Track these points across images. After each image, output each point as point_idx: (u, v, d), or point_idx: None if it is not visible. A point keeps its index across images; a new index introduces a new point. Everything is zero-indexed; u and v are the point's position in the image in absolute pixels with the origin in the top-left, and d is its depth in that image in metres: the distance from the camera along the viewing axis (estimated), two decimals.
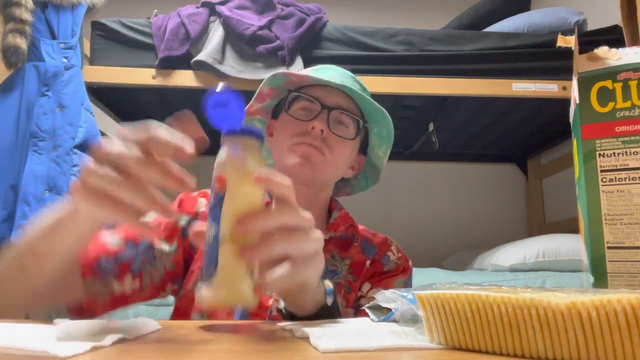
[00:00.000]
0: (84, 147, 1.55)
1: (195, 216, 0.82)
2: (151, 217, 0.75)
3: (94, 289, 0.65)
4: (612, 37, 1.74)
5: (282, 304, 0.60)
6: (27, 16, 1.57)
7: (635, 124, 0.53)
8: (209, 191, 0.84)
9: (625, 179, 0.52)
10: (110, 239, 0.73)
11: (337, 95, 0.81)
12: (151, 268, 0.74)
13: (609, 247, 0.52)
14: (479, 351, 0.37)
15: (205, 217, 0.78)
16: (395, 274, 0.86)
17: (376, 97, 1.79)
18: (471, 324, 0.37)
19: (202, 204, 0.84)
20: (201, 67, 1.65)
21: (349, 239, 0.86)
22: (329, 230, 0.84)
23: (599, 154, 0.54)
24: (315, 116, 0.79)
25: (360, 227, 0.91)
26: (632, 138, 0.52)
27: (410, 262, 0.89)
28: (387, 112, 0.81)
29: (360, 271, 0.84)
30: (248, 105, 0.86)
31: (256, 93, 0.85)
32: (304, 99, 0.82)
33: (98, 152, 0.42)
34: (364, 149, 0.89)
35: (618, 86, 0.54)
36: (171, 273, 0.76)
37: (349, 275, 0.83)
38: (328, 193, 0.87)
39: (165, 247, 0.75)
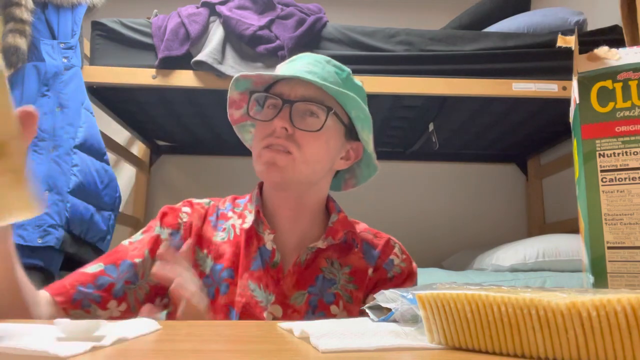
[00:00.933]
0: (84, 147, 1.55)
1: (177, 228, 0.81)
2: (132, 245, 0.78)
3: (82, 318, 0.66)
4: (612, 37, 1.74)
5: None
6: (27, 16, 1.57)
7: (635, 124, 0.53)
8: (194, 200, 0.86)
9: (625, 179, 0.52)
10: (90, 267, 0.74)
11: (303, 87, 0.76)
12: (135, 287, 0.75)
13: (609, 247, 0.52)
14: (479, 351, 0.37)
15: (188, 228, 0.81)
16: (400, 282, 0.82)
17: (376, 97, 1.79)
18: (471, 324, 0.37)
19: (185, 215, 0.82)
20: (201, 67, 1.65)
21: (349, 243, 0.83)
22: (326, 236, 0.80)
23: (599, 154, 0.54)
24: (277, 114, 0.75)
25: (362, 225, 0.88)
26: (632, 138, 0.52)
27: (414, 265, 0.86)
28: (352, 94, 0.75)
29: (362, 279, 0.80)
30: (229, 115, 0.84)
31: (228, 100, 0.82)
32: (269, 97, 0.78)
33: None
34: (356, 135, 0.83)
35: (618, 86, 0.54)
36: (156, 288, 0.76)
37: (350, 284, 0.80)
38: (319, 194, 0.83)
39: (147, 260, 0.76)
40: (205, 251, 0.80)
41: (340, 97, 0.76)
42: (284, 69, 0.80)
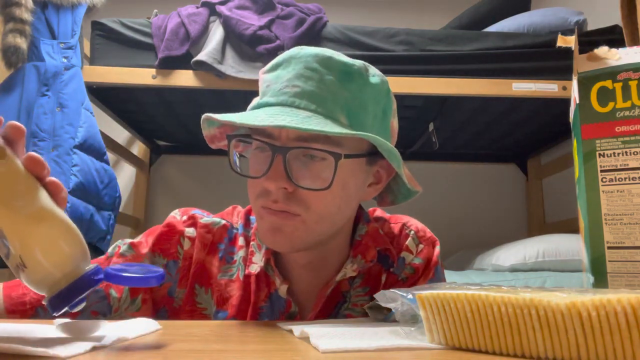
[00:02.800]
0: (84, 147, 1.55)
1: (176, 258, 0.67)
2: (126, 250, 0.66)
3: None
4: (612, 37, 1.74)
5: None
6: (27, 16, 1.57)
7: (635, 124, 0.52)
8: (198, 214, 0.70)
9: (625, 179, 0.52)
10: None
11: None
12: (107, 319, 0.58)
13: (609, 247, 0.52)
14: (479, 351, 0.37)
15: (188, 259, 0.66)
16: (414, 281, 0.69)
17: None
18: (471, 324, 0.37)
19: (187, 243, 0.67)
20: (201, 67, 1.65)
21: (383, 262, 0.67)
22: (354, 254, 0.65)
23: (599, 154, 0.54)
24: (267, 169, 0.55)
25: (377, 212, 0.74)
26: (632, 138, 0.52)
27: (434, 250, 0.70)
28: (368, 135, 0.56)
29: (376, 287, 0.67)
30: (213, 146, 0.67)
31: (208, 140, 0.66)
32: (254, 141, 0.59)
33: None
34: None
35: (618, 86, 0.54)
36: (141, 314, 0.64)
37: (360, 297, 0.66)
38: (344, 234, 0.67)
39: (124, 297, 0.64)
40: (209, 291, 0.67)
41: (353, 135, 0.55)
42: (268, 87, 0.60)
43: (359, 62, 0.61)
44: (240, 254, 0.68)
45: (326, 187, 0.55)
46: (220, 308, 0.66)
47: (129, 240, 0.69)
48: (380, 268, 0.68)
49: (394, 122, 0.66)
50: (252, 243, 0.68)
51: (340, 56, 0.60)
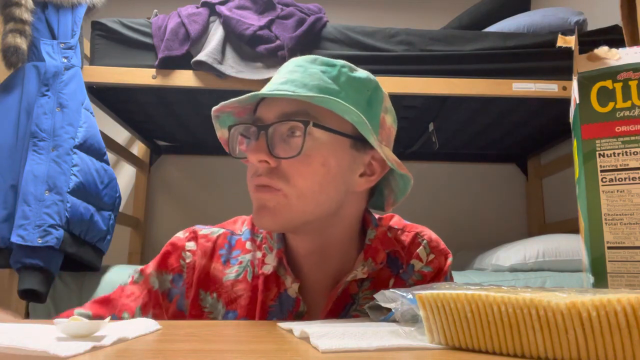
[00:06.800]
0: (84, 147, 1.55)
1: (180, 272, 0.70)
2: (130, 290, 0.70)
3: None
4: (612, 37, 1.74)
5: None
6: (27, 16, 1.57)
7: (635, 124, 0.53)
8: (199, 227, 0.73)
9: (625, 179, 0.52)
10: (81, 313, 0.68)
11: (282, 102, 0.62)
12: None
13: (609, 247, 0.52)
14: (479, 351, 0.37)
15: (192, 268, 0.69)
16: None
17: None
18: (471, 324, 0.37)
19: (189, 255, 0.70)
20: (201, 67, 1.65)
21: (394, 264, 0.69)
22: (365, 257, 0.67)
23: (599, 154, 0.54)
24: (253, 146, 0.61)
25: (392, 220, 0.75)
26: (632, 138, 0.52)
27: (447, 261, 0.72)
28: (328, 97, 0.58)
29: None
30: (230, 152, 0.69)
31: (222, 142, 0.70)
32: (248, 126, 0.64)
33: None
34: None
35: (618, 86, 0.54)
36: None
37: (368, 300, 0.67)
38: (345, 223, 0.67)
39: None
40: (214, 295, 0.68)
41: (321, 103, 0.59)
42: (265, 86, 0.66)
43: (344, 62, 0.66)
44: (247, 257, 0.70)
45: (297, 153, 0.59)
46: (230, 308, 0.67)
47: (139, 268, 0.72)
48: (389, 273, 0.69)
49: (387, 118, 0.68)
50: (264, 246, 0.70)
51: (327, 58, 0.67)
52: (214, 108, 0.65)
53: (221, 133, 0.69)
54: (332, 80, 0.63)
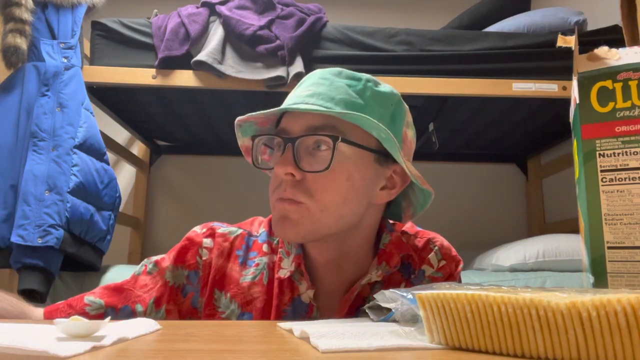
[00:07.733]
0: (84, 147, 1.55)
1: (196, 268, 0.70)
2: (143, 281, 0.70)
3: None
4: (612, 37, 1.74)
5: None
6: (27, 16, 1.57)
7: (635, 124, 0.53)
8: (216, 225, 0.73)
9: (625, 179, 0.52)
10: (92, 301, 0.68)
11: (308, 115, 0.62)
12: None
13: (609, 247, 0.52)
14: (479, 351, 0.37)
15: (207, 267, 0.69)
16: None
17: None
18: (471, 324, 0.37)
19: (206, 253, 0.70)
20: (201, 67, 1.65)
21: (407, 269, 0.70)
22: (379, 261, 0.68)
23: (599, 154, 0.54)
24: (280, 158, 0.61)
25: (405, 225, 0.76)
26: (632, 138, 0.52)
27: (457, 268, 0.75)
28: (358, 114, 0.59)
29: None
30: (253, 161, 0.70)
31: (243, 151, 0.72)
32: (272, 138, 0.65)
33: None
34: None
35: (618, 86, 0.54)
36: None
37: None
38: (364, 234, 0.68)
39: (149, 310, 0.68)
40: (228, 295, 0.68)
41: (351, 119, 0.60)
42: (289, 97, 0.67)
43: (369, 75, 0.67)
44: (264, 259, 0.70)
45: (325, 168, 0.59)
46: (245, 310, 0.68)
47: (154, 259, 0.72)
48: (400, 277, 0.70)
49: (408, 132, 0.68)
50: (280, 250, 0.70)
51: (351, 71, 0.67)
52: (238, 118, 0.65)
53: (242, 142, 0.70)
54: (358, 95, 0.63)
